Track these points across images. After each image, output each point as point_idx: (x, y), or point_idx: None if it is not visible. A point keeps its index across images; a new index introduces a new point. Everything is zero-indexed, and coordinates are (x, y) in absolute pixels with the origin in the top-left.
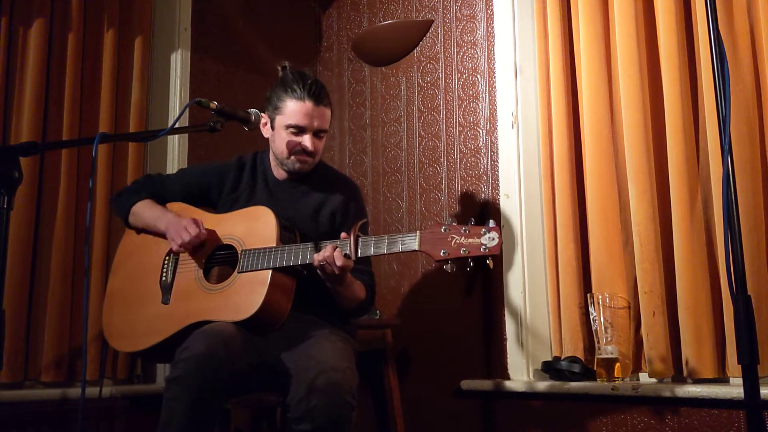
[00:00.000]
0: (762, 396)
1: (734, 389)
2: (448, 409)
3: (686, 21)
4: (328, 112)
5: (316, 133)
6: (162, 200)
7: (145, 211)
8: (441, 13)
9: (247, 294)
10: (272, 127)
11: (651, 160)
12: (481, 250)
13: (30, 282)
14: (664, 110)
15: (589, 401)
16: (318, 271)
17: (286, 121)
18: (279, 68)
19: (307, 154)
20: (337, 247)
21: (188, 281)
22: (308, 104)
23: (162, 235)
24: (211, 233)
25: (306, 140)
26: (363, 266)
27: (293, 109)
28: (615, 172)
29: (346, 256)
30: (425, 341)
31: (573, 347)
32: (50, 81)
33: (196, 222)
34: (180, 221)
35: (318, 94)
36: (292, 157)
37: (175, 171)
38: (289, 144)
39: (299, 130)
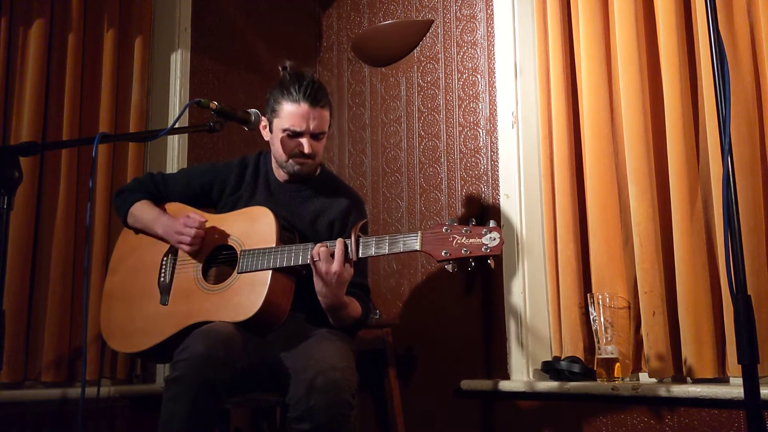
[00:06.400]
0: (762, 396)
1: (734, 389)
2: (448, 409)
3: (686, 21)
4: (326, 113)
5: (315, 135)
6: (162, 199)
7: (142, 213)
8: (441, 13)
9: (247, 294)
10: (270, 131)
11: (651, 160)
12: (483, 250)
13: (30, 282)
14: (664, 110)
15: (588, 401)
16: (315, 287)
17: (283, 125)
18: (280, 68)
19: (306, 157)
20: (327, 246)
21: (187, 281)
22: (304, 106)
23: (161, 237)
24: (211, 230)
25: (304, 143)
26: (359, 279)
27: (289, 112)
28: (615, 172)
29: (347, 257)
30: (425, 341)
31: (573, 347)
32: (50, 81)
33: (189, 217)
34: (174, 223)
35: (315, 96)
36: (291, 160)
37: (175, 171)
38: (287, 147)
39: (296, 133)
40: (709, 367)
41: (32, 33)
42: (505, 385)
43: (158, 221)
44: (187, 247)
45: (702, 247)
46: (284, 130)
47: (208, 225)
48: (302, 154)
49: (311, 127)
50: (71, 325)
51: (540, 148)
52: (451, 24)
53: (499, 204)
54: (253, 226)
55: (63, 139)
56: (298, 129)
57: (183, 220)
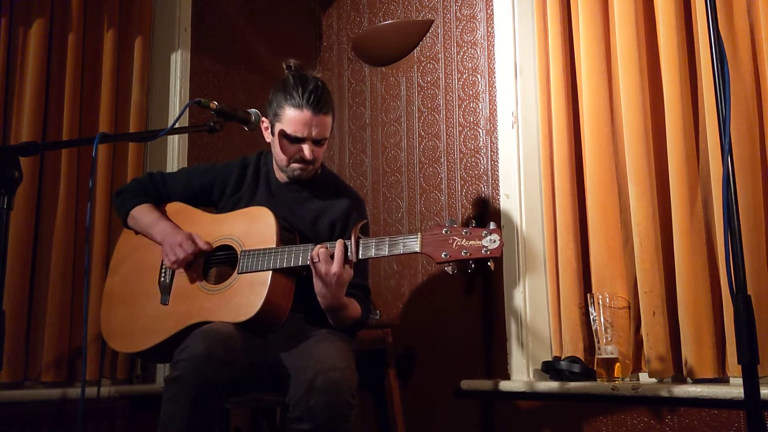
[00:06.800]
0: (762, 396)
1: (734, 389)
2: (448, 409)
3: (686, 21)
4: (328, 119)
5: (316, 141)
6: (162, 199)
7: (142, 216)
8: (441, 13)
9: (247, 295)
10: (272, 133)
11: (651, 160)
12: (483, 252)
13: (30, 282)
14: (664, 110)
15: (589, 401)
16: (315, 288)
17: (285, 129)
18: (284, 66)
19: (307, 162)
20: (327, 247)
21: (187, 282)
22: (306, 113)
23: (158, 242)
24: (212, 230)
25: (305, 149)
26: (359, 280)
27: (291, 117)
28: (615, 172)
29: (347, 258)
30: (425, 341)
31: (573, 347)
32: (50, 81)
33: (191, 239)
34: (174, 236)
35: (317, 102)
36: (292, 164)
37: (175, 171)
38: (288, 151)
39: (298, 139)
40: (709, 367)
41: (32, 33)
42: (505, 385)
43: (157, 226)
44: (168, 263)
45: (702, 247)
46: (285, 135)
47: (208, 225)
48: (303, 159)
49: (313, 134)
50: (71, 325)
51: (540, 148)
52: (451, 24)
53: (499, 204)
54: (253, 227)
55: (63, 139)
56: (299, 135)
57: (183, 238)
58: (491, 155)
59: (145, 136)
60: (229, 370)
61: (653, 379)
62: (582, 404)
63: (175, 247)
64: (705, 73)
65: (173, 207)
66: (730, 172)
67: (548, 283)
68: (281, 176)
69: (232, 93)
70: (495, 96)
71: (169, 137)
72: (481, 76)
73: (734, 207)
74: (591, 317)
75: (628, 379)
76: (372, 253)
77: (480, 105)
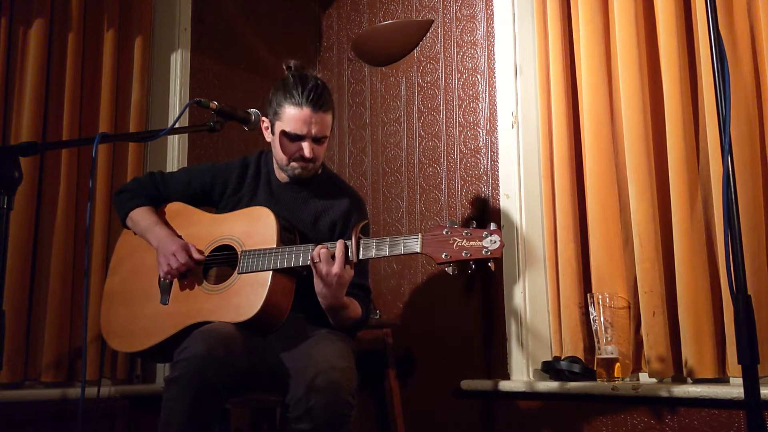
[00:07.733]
0: (762, 396)
1: (734, 389)
2: (448, 409)
3: (686, 21)
4: (328, 117)
5: (316, 140)
6: (163, 199)
7: (140, 219)
8: (441, 13)
9: (247, 295)
10: (272, 132)
11: (651, 160)
12: (483, 252)
13: (30, 282)
14: (664, 110)
15: (589, 401)
16: (315, 288)
17: (285, 128)
18: (284, 67)
19: (307, 161)
20: (328, 248)
21: (188, 282)
22: (306, 111)
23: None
24: (212, 230)
25: (305, 147)
26: (359, 280)
27: (291, 115)
28: (615, 172)
29: (347, 258)
30: (425, 341)
31: (573, 347)
32: (50, 81)
33: (186, 249)
34: (170, 244)
35: (317, 100)
36: (292, 163)
37: (175, 171)
38: (288, 150)
39: (297, 137)
40: (709, 367)
41: (32, 33)
42: (505, 385)
43: (153, 231)
44: (162, 273)
45: (702, 247)
46: (286, 133)
47: (208, 225)
48: (303, 158)
49: (313, 132)
50: (71, 325)
51: (540, 148)
52: (451, 24)
53: (499, 204)
54: (253, 227)
55: (63, 139)
56: (299, 133)
57: (177, 248)
58: (491, 155)
59: (145, 136)
60: (229, 370)
61: (653, 379)
62: (582, 404)
63: (169, 257)
64: (705, 73)
65: (173, 207)
66: (730, 172)
67: (548, 282)
68: (282, 176)
69: (232, 93)
70: (495, 96)
71: (169, 137)
72: (481, 76)
73: (734, 207)
74: (591, 317)
75: (628, 379)
76: (372, 253)
77: (480, 105)
